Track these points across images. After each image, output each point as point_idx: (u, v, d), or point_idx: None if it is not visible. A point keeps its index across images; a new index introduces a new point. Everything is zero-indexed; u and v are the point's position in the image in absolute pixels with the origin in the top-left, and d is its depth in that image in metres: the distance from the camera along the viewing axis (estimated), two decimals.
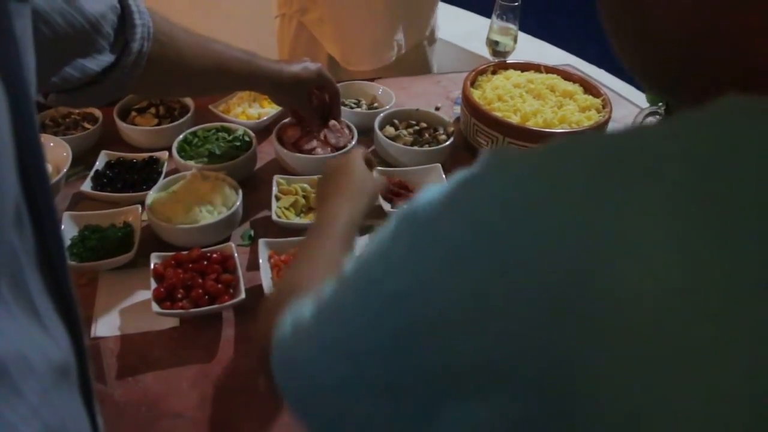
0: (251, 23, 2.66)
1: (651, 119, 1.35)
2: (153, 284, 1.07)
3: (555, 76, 1.65)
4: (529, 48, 2.06)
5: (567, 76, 1.65)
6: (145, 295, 1.10)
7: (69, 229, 1.17)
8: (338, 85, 1.62)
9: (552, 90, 1.58)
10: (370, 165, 1.04)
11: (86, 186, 1.27)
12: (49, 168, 1.28)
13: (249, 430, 0.93)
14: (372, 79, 1.71)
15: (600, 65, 2.17)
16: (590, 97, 1.58)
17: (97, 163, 1.33)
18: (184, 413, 0.94)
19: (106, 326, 1.06)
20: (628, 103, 1.82)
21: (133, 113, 1.46)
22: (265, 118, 1.51)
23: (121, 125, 1.42)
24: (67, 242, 1.16)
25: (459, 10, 2.55)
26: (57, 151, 1.31)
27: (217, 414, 0.95)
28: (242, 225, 1.26)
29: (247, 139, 1.40)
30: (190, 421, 0.93)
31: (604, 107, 1.54)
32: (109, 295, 1.11)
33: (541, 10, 1.95)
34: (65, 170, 1.27)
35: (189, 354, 1.03)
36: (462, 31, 2.09)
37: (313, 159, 1.37)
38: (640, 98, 1.88)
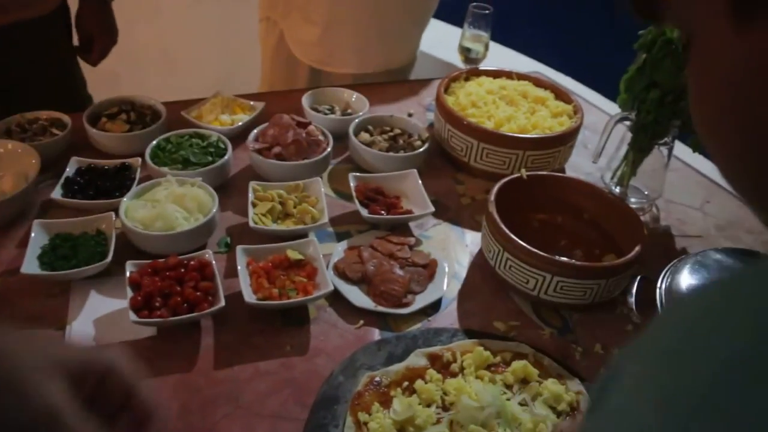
0: (233, 27, 2.66)
1: (624, 124, 1.37)
2: (129, 293, 1.04)
3: (526, 82, 1.66)
4: (499, 56, 2.08)
5: (538, 82, 1.67)
6: (120, 304, 1.07)
7: (39, 237, 1.14)
8: (312, 91, 1.62)
9: (524, 96, 1.60)
10: None
11: (56, 193, 1.24)
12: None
13: None
14: (347, 86, 1.70)
15: (565, 74, 2.20)
16: (561, 103, 1.60)
17: (67, 169, 1.29)
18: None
19: (81, 336, 1.03)
20: (596, 110, 1.84)
21: (104, 119, 1.43)
22: (239, 124, 1.50)
23: (92, 131, 1.39)
24: (38, 251, 1.12)
25: None
26: (25, 158, 1.28)
27: (198, 425, 0.92)
28: (218, 232, 1.24)
29: (221, 145, 1.39)
30: None
31: (575, 113, 1.56)
32: (82, 305, 1.08)
33: (508, 19, 1.97)
34: (34, 177, 1.24)
35: (167, 364, 1.00)
36: (430, 39, 2.09)
37: (288, 165, 1.36)
38: (607, 105, 1.91)
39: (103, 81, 1.86)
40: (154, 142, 1.36)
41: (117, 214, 1.17)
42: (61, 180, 1.27)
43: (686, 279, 1.03)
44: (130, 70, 2.07)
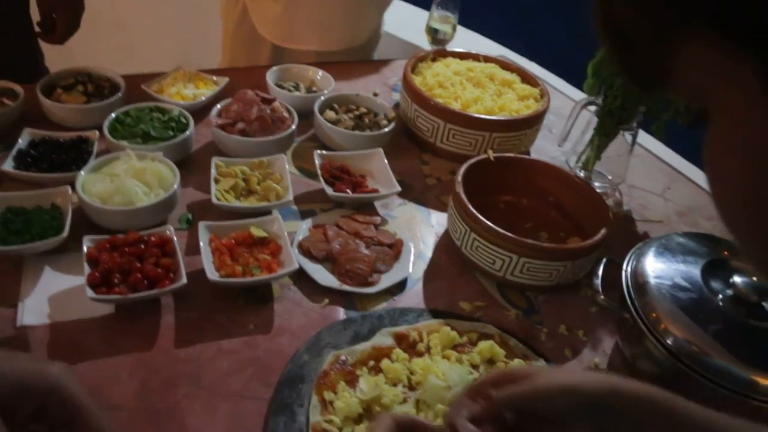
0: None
1: (588, 110, 1.38)
2: (86, 269, 1.00)
3: (493, 65, 1.66)
4: (465, 39, 2.07)
5: (505, 65, 1.66)
6: (76, 281, 1.03)
7: None
8: (277, 68, 1.59)
9: (491, 79, 1.59)
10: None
11: (8, 165, 1.18)
12: None
13: (194, 421, 0.88)
14: (311, 64, 1.67)
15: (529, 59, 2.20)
16: (528, 86, 1.59)
17: (20, 141, 1.24)
18: (123, 404, 0.89)
19: (34, 314, 0.99)
20: (561, 95, 1.85)
21: (59, 90, 1.38)
22: (201, 99, 1.46)
23: (46, 103, 1.33)
24: None
25: None
26: None
27: (158, 405, 0.90)
28: (178, 208, 1.21)
29: (183, 120, 1.35)
30: (129, 413, 0.88)
31: (542, 97, 1.56)
32: (36, 282, 1.04)
33: (474, 3, 1.96)
34: None
35: (126, 342, 0.97)
36: (395, 20, 2.08)
37: (252, 142, 1.33)
38: (571, 90, 1.92)
39: (55, 55, 1.79)
40: (113, 115, 1.31)
41: (73, 189, 1.13)
42: (13, 152, 1.22)
43: (651, 262, 1.03)
44: (83, 44, 1.99)
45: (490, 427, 0.71)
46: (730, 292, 0.97)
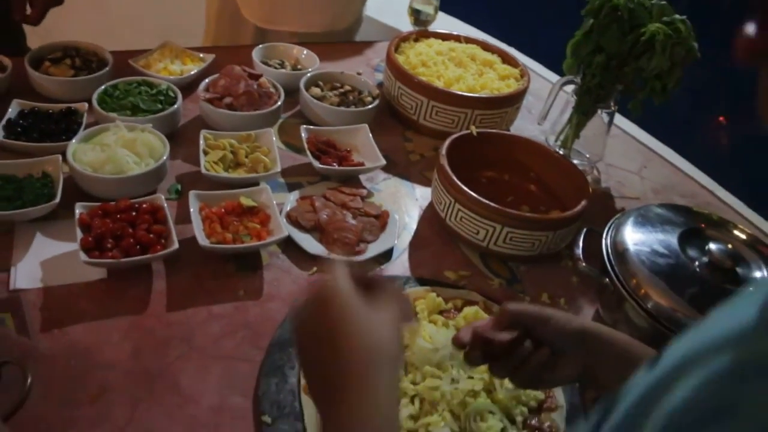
0: None
1: (564, 91, 1.41)
2: (79, 234, 1.01)
3: (474, 46, 1.69)
4: (445, 24, 2.10)
5: (486, 46, 1.69)
6: (68, 246, 1.04)
7: None
8: (263, 45, 1.60)
9: (472, 59, 1.62)
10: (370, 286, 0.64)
11: None
12: None
13: (186, 381, 0.90)
14: (295, 44, 1.69)
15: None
16: (509, 67, 1.63)
17: (10, 111, 1.24)
18: (117, 365, 0.91)
19: (27, 278, 1.00)
20: (539, 77, 1.88)
21: (47, 63, 1.38)
22: (191, 73, 1.47)
23: (35, 75, 1.33)
24: None
25: None
26: None
27: (152, 365, 0.92)
28: (168, 179, 1.22)
29: (171, 93, 1.36)
30: (124, 373, 0.90)
31: (522, 77, 1.59)
32: (28, 247, 1.05)
33: None
34: None
35: (119, 305, 0.99)
36: (377, 3, 2.10)
37: (239, 116, 1.34)
38: (549, 74, 1.96)
39: (36, 35, 1.77)
40: (102, 88, 1.32)
41: (64, 158, 1.14)
42: (2, 122, 1.22)
43: (630, 231, 1.07)
44: (62, 23, 1.98)
45: (512, 329, 0.77)
46: (706, 258, 1.02)
